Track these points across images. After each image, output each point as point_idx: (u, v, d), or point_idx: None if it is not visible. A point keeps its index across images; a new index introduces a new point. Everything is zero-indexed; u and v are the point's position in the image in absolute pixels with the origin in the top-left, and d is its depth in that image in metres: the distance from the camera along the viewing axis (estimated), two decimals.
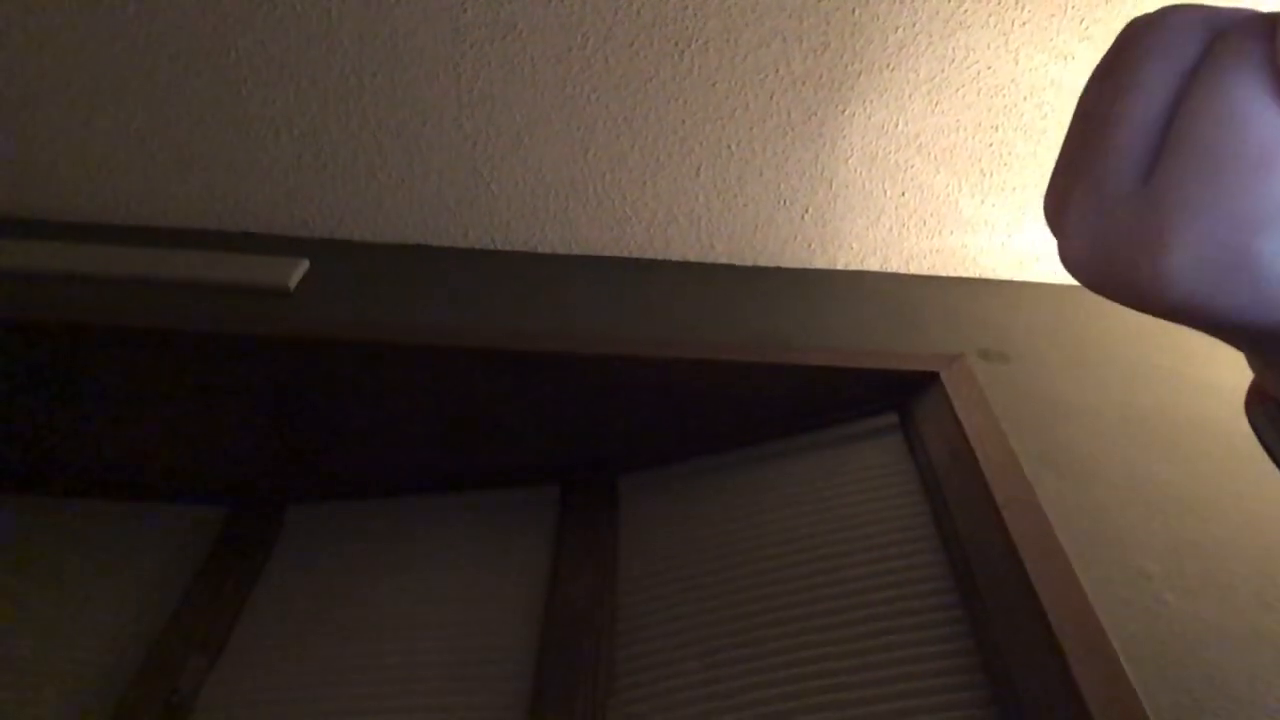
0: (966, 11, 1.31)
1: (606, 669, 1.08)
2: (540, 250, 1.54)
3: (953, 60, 1.35)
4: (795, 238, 1.51)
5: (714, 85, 1.38)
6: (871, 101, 1.39)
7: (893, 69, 1.36)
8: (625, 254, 1.54)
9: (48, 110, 1.41)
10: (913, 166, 1.44)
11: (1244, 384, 0.30)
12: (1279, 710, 0.83)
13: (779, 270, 1.54)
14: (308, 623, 1.20)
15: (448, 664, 1.12)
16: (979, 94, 1.38)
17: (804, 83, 1.37)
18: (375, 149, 1.44)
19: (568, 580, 1.20)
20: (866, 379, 1.28)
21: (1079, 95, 0.26)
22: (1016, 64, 1.35)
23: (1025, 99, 1.38)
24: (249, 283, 1.36)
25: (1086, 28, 1.32)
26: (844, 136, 1.42)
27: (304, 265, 1.40)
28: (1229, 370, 1.32)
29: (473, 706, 1.06)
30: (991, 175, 1.45)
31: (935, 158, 1.44)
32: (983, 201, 1.47)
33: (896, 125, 1.41)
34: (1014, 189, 1.46)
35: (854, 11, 1.31)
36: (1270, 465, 0.30)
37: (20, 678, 1.11)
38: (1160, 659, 0.87)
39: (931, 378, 1.25)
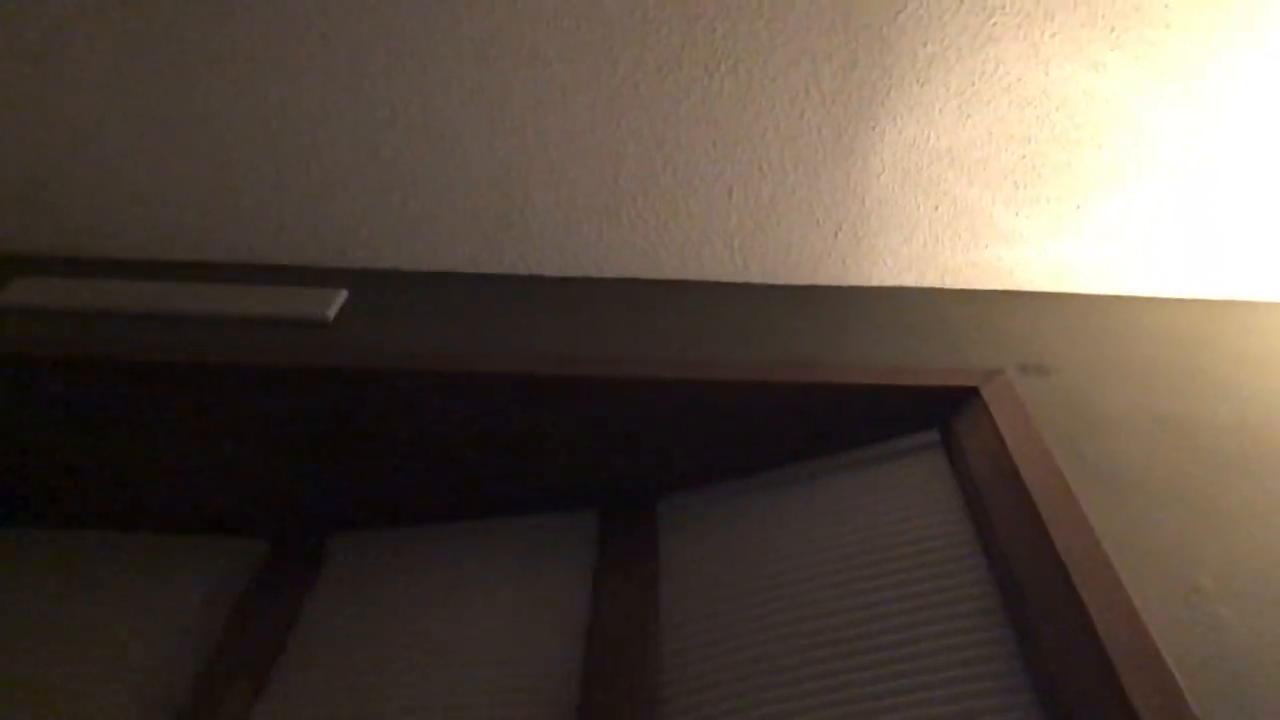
0: (995, 25, 1.31)
1: (649, 694, 1.08)
2: (574, 274, 1.54)
3: (983, 73, 1.35)
4: (829, 255, 1.51)
5: (744, 106, 1.38)
6: (902, 117, 1.38)
7: (923, 84, 1.35)
8: (659, 276, 1.54)
9: (83, 147, 1.44)
10: (945, 180, 1.44)
11: None
12: None
13: (814, 289, 1.53)
14: (351, 652, 1.20)
15: (491, 692, 1.12)
16: (1010, 106, 1.37)
17: (834, 101, 1.37)
18: (409, 178, 1.45)
19: (609, 606, 1.20)
20: (905, 396, 1.27)
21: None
22: (1047, 75, 1.34)
23: (1057, 110, 1.37)
24: (288, 315, 1.37)
25: (1117, 37, 1.31)
26: (875, 153, 1.41)
27: (342, 295, 1.42)
28: (1276, 378, 1.30)
29: None
30: (1025, 187, 1.44)
31: (968, 171, 1.43)
32: (1017, 214, 1.46)
33: (928, 140, 1.40)
34: (1048, 200, 1.45)
35: (882, 29, 1.31)
36: None
37: (66, 712, 1.13)
38: (1217, 676, 0.86)
39: (972, 393, 1.24)
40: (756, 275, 1.54)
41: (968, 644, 0.99)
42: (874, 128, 1.39)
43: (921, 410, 1.27)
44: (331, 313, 1.38)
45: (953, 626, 1.01)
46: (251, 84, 1.38)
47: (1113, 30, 1.31)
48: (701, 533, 1.29)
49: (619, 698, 1.08)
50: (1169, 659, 0.85)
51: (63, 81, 1.39)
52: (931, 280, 1.54)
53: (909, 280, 1.54)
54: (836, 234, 1.49)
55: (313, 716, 1.12)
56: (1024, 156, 1.41)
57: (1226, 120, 1.36)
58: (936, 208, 1.46)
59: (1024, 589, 0.98)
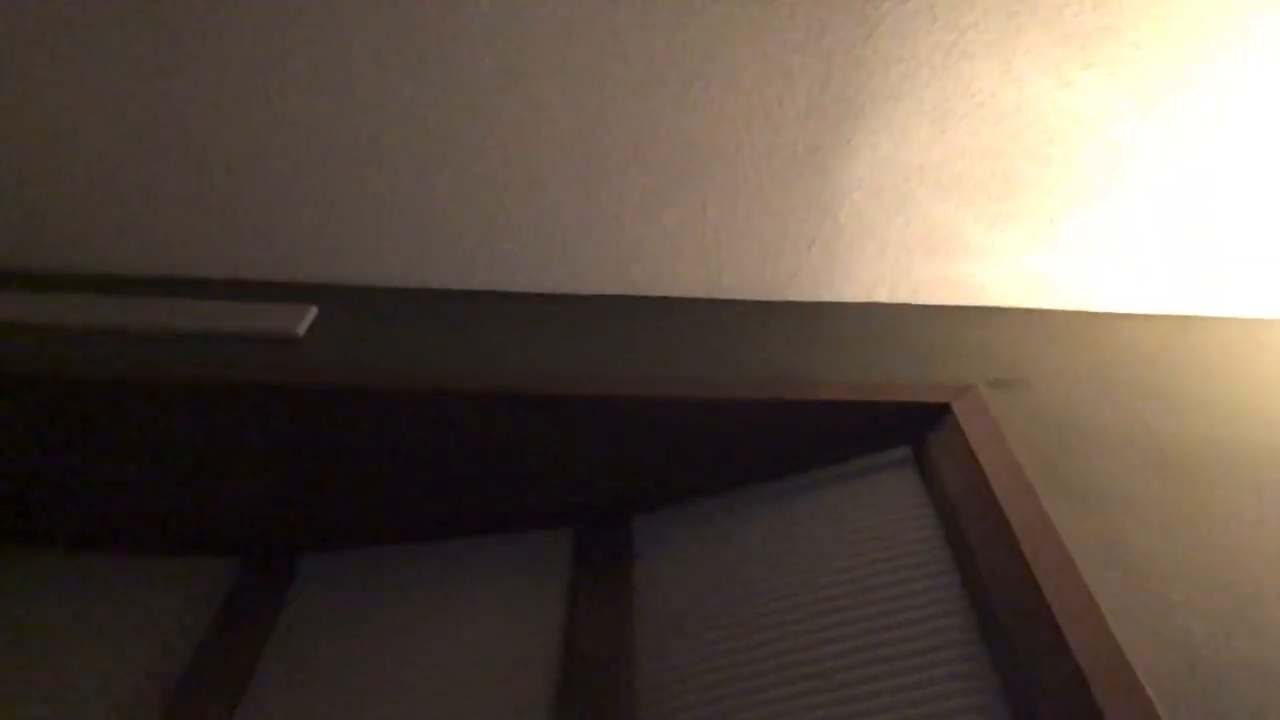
0: (969, 41, 1.31)
1: (627, 714, 1.07)
2: (549, 290, 1.54)
3: (956, 90, 1.35)
4: (802, 270, 1.51)
5: (719, 123, 1.38)
6: (876, 133, 1.39)
7: (897, 100, 1.36)
8: (634, 291, 1.54)
9: (52, 161, 1.42)
10: (918, 196, 1.44)
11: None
12: None
13: (787, 304, 1.53)
14: (322, 673, 1.19)
15: (465, 713, 1.11)
16: (983, 122, 1.38)
17: (808, 116, 1.37)
18: (385, 191, 1.44)
19: (584, 625, 1.19)
20: (877, 412, 1.27)
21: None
22: (1020, 91, 1.35)
23: (1030, 125, 1.38)
24: (257, 331, 1.36)
25: (1089, 55, 1.31)
26: (849, 169, 1.42)
27: (312, 312, 1.41)
28: (1253, 395, 1.31)
29: None
30: (998, 202, 1.45)
31: (941, 186, 1.43)
32: (990, 229, 1.47)
33: (901, 155, 1.41)
34: (1021, 216, 1.46)
35: (855, 47, 1.32)
36: None
37: None
38: (1190, 692, 0.86)
39: (943, 409, 1.24)
40: (731, 290, 1.54)
41: (941, 660, 0.98)
42: (847, 143, 1.40)
43: (893, 426, 1.27)
44: (301, 329, 1.37)
45: (926, 643, 1.00)
46: (228, 99, 1.37)
47: (1084, 48, 1.31)
48: (675, 550, 1.28)
49: (596, 716, 1.07)
50: (1141, 675, 0.85)
51: (34, 96, 1.37)
52: (904, 296, 1.54)
53: (881, 295, 1.54)
54: (810, 249, 1.49)
55: None
56: (996, 172, 1.42)
57: (1198, 137, 1.37)
58: (909, 223, 1.47)
59: (996, 604, 0.98)
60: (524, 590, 1.28)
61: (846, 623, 1.07)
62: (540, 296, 1.53)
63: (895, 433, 1.26)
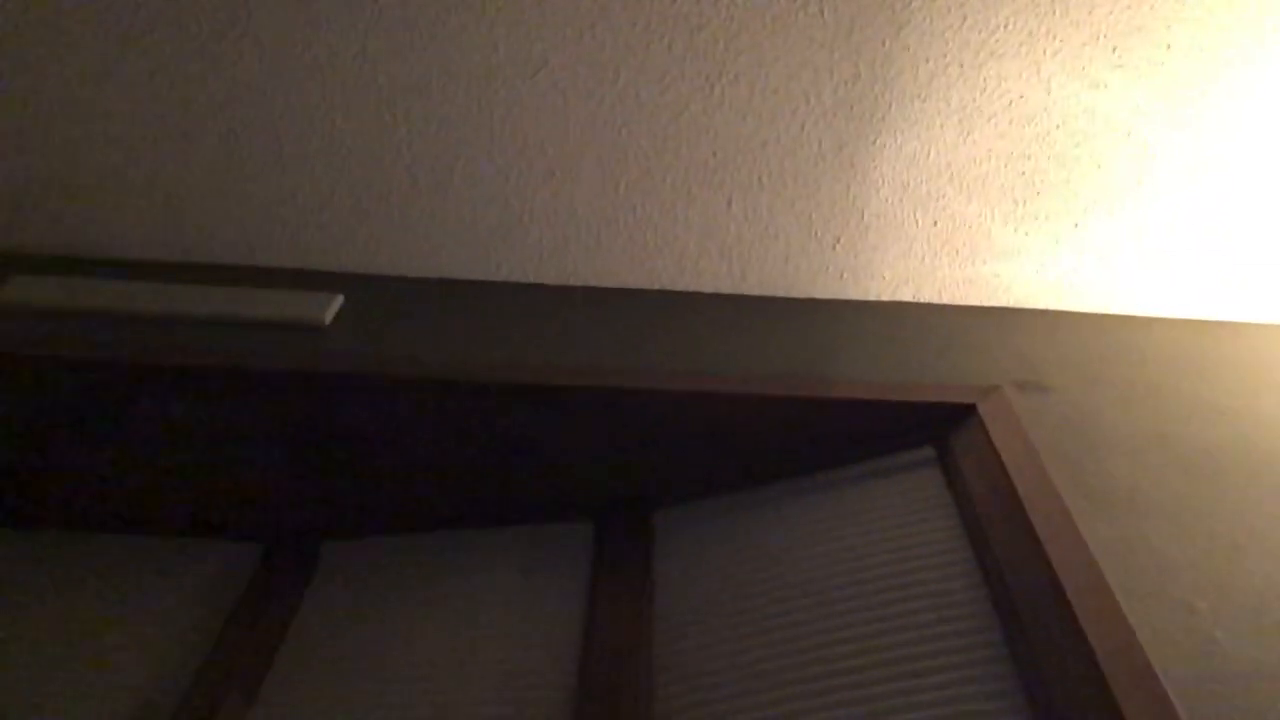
0: (998, 41, 1.31)
1: (644, 707, 1.07)
2: (572, 283, 1.54)
3: (984, 89, 1.35)
4: (827, 268, 1.51)
5: (744, 118, 1.38)
6: (903, 131, 1.38)
7: (924, 99, 1.36)
8: (657, 286, 1.54)
9: (81, 146, 1.43)
10: (945, 196, 1.44)
11: None
12: None
13: (811, 301, 1.53)
14: (343, 661, 1.20)
15: (485, 703, 1.11)
16: (1011, 123, 1.37)
17: (835, 114, 1.37)
18: (409, 183, 1.45)
19: (604, 617, 1.19)
20: (902, 412, 1.27)
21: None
22: (1049, 93, 1.35)
23: (1058, 127, 1.37)
24: (284, 318, 1.37)
25: (1119, 56, 1.31)
26: (875, 166, 1.41)
27: (339, 300, 1.41)
28: (1276, 399, 1.30)
29: None
30: (1024, 204, 1.44)
31: (967, 187, 1.43)
32: (1015, 230, 1.47)
33: (928, 155, 1.40)
34: (1047, 217, 1.45)
35: (884, 43, 1.31)
36: None
37: (54, 715, 1.12)
38: (1212, 700, 0.86)
39: (969, 410, 1.24)
40: (754, 287, 1.54)
41: (963, 661, 0.98)
42: (874, 141, 1.39)
43: (918, 426, 1.27)
44: (328, 317, 1.38)
45: (948, 644, 1.00)
46: (255, 85, 1.37)
47: (1114, 49, 1.31)
48: (697, 545, 1.28)
49: (614, 709, 1.08)
50: (1164, 680, 0.85)
51: (62, 80, 1.38)
52: (929, 295, 1.54)
53: (906, 295, 1.54)
54: (835, 247, 1.49)
55: None
56: (1023, 173, 1.41)
57: (1227, 141, 1.37)
58: (935, 223, 1.46)
59: (1020, 607, 0.98)
60: (544, 581, 1.29)
61: (867, 621, 1.07)
62: (563, 289, 1.53)
63: (919, 432, 1.26)
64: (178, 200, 1.48)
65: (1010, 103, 1.36)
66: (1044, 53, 1.32)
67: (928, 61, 1.33)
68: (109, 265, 1.50)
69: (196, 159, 1.44)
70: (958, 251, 1.49)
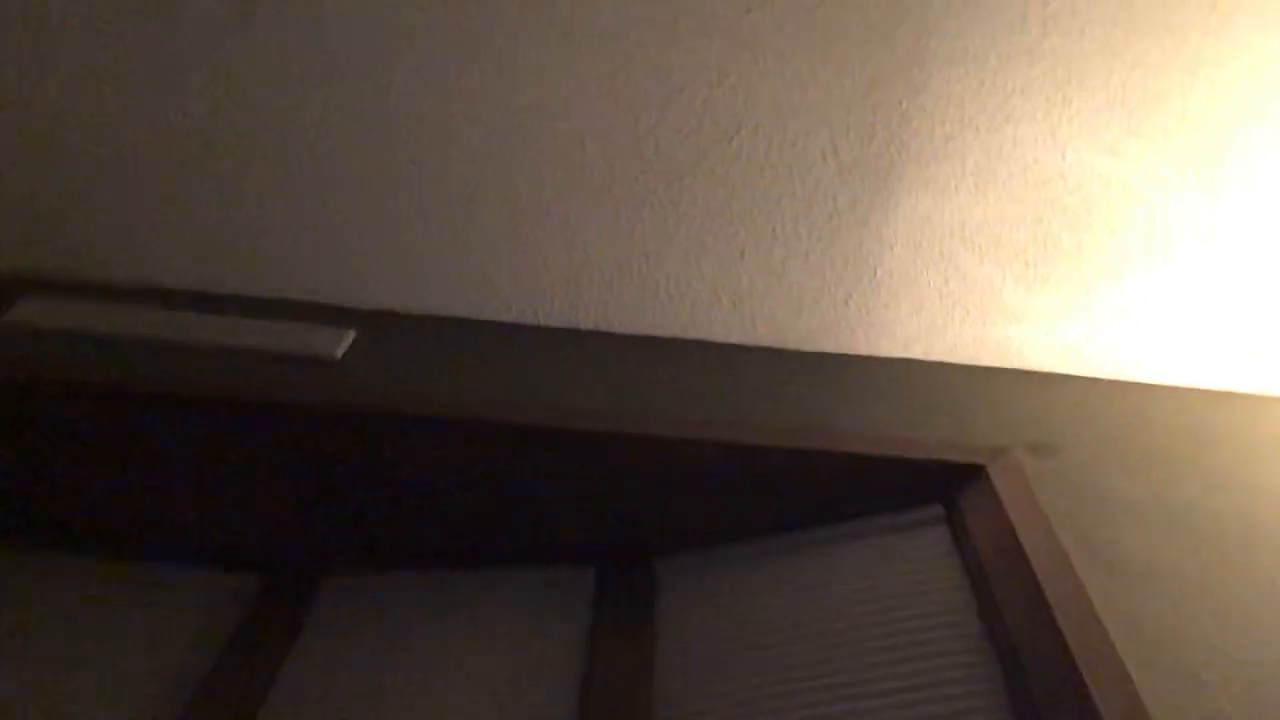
0: (1014, 106, 1.32)
1: None
2: (583, 327, 1.54)
3: (1000, 153, 1.36)
4: (838, 323, 1.51)
5: (761, 171, 1.39)
6: (918, 191, 1.39)
7: (940, 160, 1.37)
8: (668, 334, 1.54)
9: (96, 169, 1.44)
10: (957, 256, 1.44)
11: None
12: None
13: (821, 355, 1.53)
14: (339, 696, 1.18)
15: None
16: (1025, 186, 1.38)
17: (851, 171, 1.38)
18: (423, 222, 1.46)
19: (604, 664, 1.18)
20: (911, 469, 1.26)
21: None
22: (1064, 158, 1.36)
23: (1072, 192, 1.38)
24: (295, 351, 1.37)
25: (1135, 124, 1.32)
26: (889, 224, 1.42)
27: (350, 335, 1.42)
28: None
29: None
30: (1036, 266, 1.45)
31: (980, 248, 1.44)
32: (1027, 292, 1.47)
33: (942, 214, 1.41)
34: (1059, 281, 1.46)
35: (901, 103, 1.33)
36: None
37: None
38: None
39: (978, 470, 1.23)
40: (765, 338, 1.54)
41: None
42: (889, 200, 1.40)
43: (926, 484, 1.26)
44: (339, 352, 1.38)
45: (951, 707, 0.99)
46: (273, 116, 1.38)
47: (1131, 116, 1.32)
48: (699, 596, 1.27)
49: None
50: None
51: (77, 105, 1.39)
52: (939, 354, 1.54)
53: (917, 353, 1.54)
54: (847, 302, 1.49)
55: None
56: (1036, 237, 1.42)
57: (1241, 211, 1.38)
58: (947, 282, 1.47)
59: (1027, 671, 0.97)
60: (544, 624, 1.27)
61: (870, 680, 1.06)
62: (573, 332, 1.54)
63: (927, 491, 1.25)
64: (191, 228, 1.48)
65: (1025, 167, 1.37)
66: (1060, 118, 1.33)
67: (944, 124, 1.34)
68: (118, 290, 1.51)
69: (212, 188, 1.45)
70: (969, 312, 1.49)
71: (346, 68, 1.34)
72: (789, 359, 1.52)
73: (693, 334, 1.54)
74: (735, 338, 1.54)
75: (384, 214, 1.46)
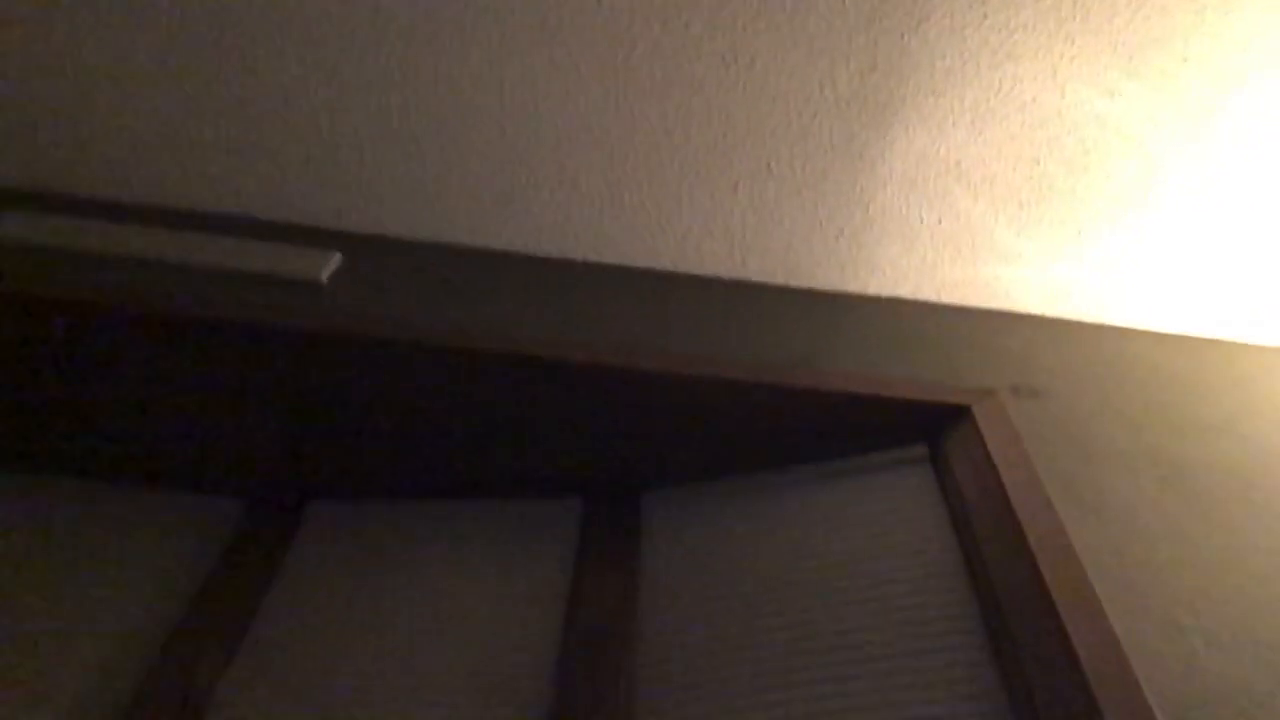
0: (1016, 42, 1.30)
1: (628, 687, 1.07)
2: (572, 257, 1.53)
3: (999, 90, 1.34)
4: (829, 260, 1.50)
5: (757, 102, 1.37)
6: (914, 127, 1.37)
7: (938, 95, 1.35)
8: (657, 266, 1.53)
9: (91, 82, 1.40)
10: (952, 194, 1.43)
11: None
12: None
13: (810, 292, 1.53)
14: (324, 622, 1.19)
15: (465, 673, 1.11)
16: (1023, 126, 1.37)
17: (849, 104, 1.36)
18: (414, 145, 1.43)
19: (589, 595, 1.19)
20: (897, 408, 1.26)
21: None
22: (1063, 97, 1.34)
23: (1069, 133, 1.37)
24: (280, 273, 1.35)
25: (1135, 66, 1.30)
26: (884, 160, 1.41)
27: (336, 258, 1.40)
28: (1269, 421, 1.31)
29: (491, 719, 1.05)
30: (1030, 207, 1.44)
31: (974, 186, 1.43)
32: (1019, 233, 1.46)
33: (938, 152, 1.40)
34: (1051, 223, 1.45)
35: (903, 36, 1.30)
36: None
37: (31, 666, 1.10)
38: (1195, 714, 0.86)
39: (964, 411, 1.24)
40: (755, 273, 1.53)
41: (945, 662, 0.98)
42: (885, 135, 1.39)
43: (912, 424, 1.27)
44: (325, 275, 1.36)
45: (931, 642, 1.01)
46: (265, 36, 1.35)
47: (1131, 58, 1.30)
48: (685, 529, 1.28)
49: (596, 689, 1.07)
50: (1148, 693, 0.85)
51: (73, 21, 1.35)
52: (929, 294, 1.53)
53: (906, 292, 1.53)
54: (838, 238, 1.48)
55: (283, 683, 1.11)
56: (1031, 177, 1.41)
57: (1237, 158, 1.37)
58: (940, 221, 1.46)
59: (1006, 610, 0.98)
60: (529, 555, 1.28)
61: (851, 615, 1.07)
62: (563, 262, 1.52)
63: (912, 430, 1.26)
64: (180, 144, 1.45)
65: (1024, 105, 1.35)
66: (1061, 57, 1.31)
67: (945, 58, 1.32)
68: (101, 206, 1.48)
69: (203, 105, 1.41)
70: (960, 251, 1.49)
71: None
72: (778, 295, 1.51)
73: (683, 267, 1.53)
74: (725, 271, 1.53)
75: (374, 135, 1.43)
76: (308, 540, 1.32)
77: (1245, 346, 1.51)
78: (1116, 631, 0.92)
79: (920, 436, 1.26)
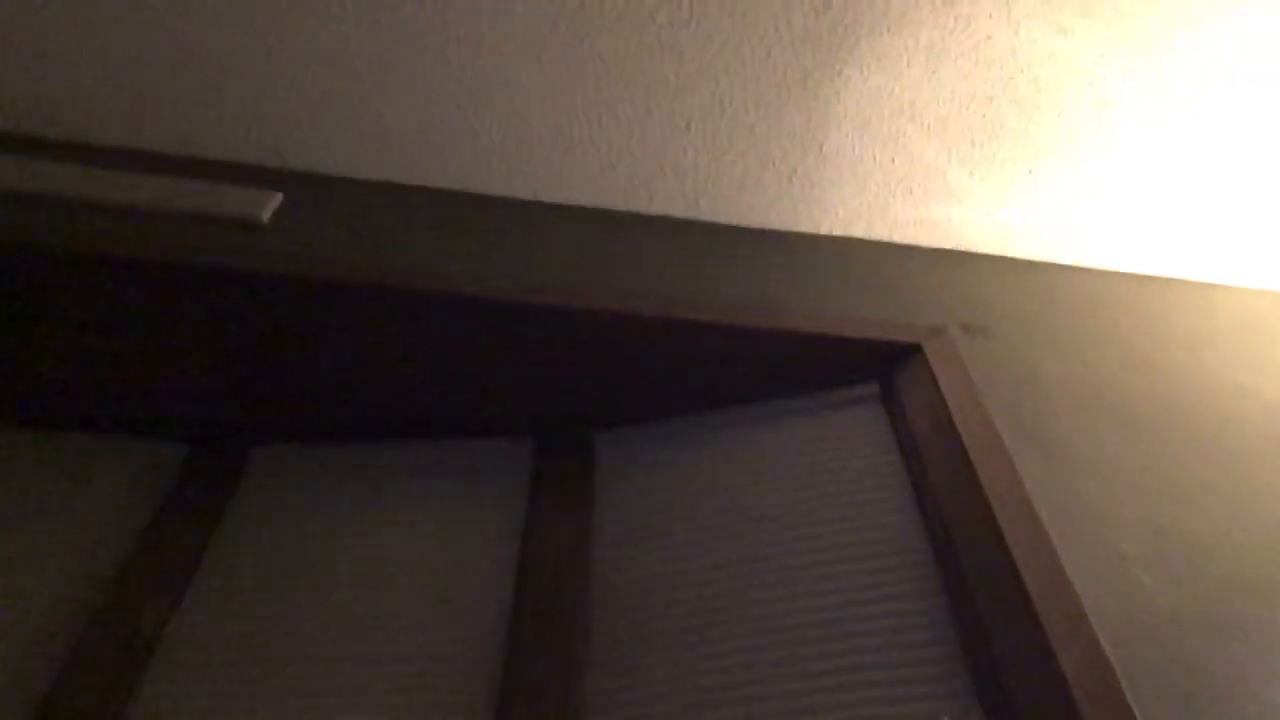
0: None
1: (582, 625, 1.07)
2: (521, 195, 1.50)
3: (953, 29, 1.33)
4: (782, 200, 1.49)
5: (711, 39, 1.34)
6: (869, 66, 1.36)
7: (892, 34, 1.33)
8: (608, 205, 1.51)
9: (20, 22, 1.34)
10: (905, 134, 1.42)
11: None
12: (1254, 700, 0.84)
13: (762, 232, 1.52)
14: (272, 567, 1.17)
15: (417, 615, 1.10)
16: (977, 64, 1.36)
17: (803, 42, 1.34)
18: (355, 80, 1.38)
19: (543, 534, 1.18)
20: (848, 347, 1.26)
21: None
22: (1017, 35, 1.33)
23: (1022, 72, 1.36)
24: (219, 213, 1.31)
25: (1088, 3, 1.30)
26: (838, 100, 1.39)
27: (277, 198, 1.36)
28: (1216, 361, 1.33)
29: (443, 659, 1.04)
30: (981, 147, 1.44)
31: (928, 126, 1.42)
32: (971, 173, 1.46)
33: (892, 91, 1.38)
34: (1003, 162, 1.45)
35: None
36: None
37: None
38: (1138, 641, 0.88)
39: (914, 349, 1.24)
40: (707, 213, 1.51)
41: (897, 593, 1.00)
42: (839, 74, 1.37)
43: (863, 362, 1.27)
44: (266, 215, 1.32)
45: (884, 577, 1.02)
46: None
47: None
48: (637, 467, 1.27)
49: (550, 625, 1.07)
50: (1095, 622, 0.87)
51: None
52: (880, 233, 1.53)
53: (858, 231, 1.53)
54: (791, 178, 1.47)
55: (229, 629, 1.09)
56: (984, 116, 1.40)
57: (1189, 98, 1.37)
58: (893, 160, 1.45)
59: (957, 545, 0.99)
60: (482, 495, 1.27)
61: (800, 552, 1.08)
62: (510, 201, 1.49)
63: (864, 369, 1.26)
64: (117, 81, 1.39)
65: (978, 44, 1.34)
66: None
67: None
68: (37, 144, 1.42)
69: (141, 40, 1.35)
70: (912, 191, 1.48)
71: None
72: (730, 234, 1.50)
73: (634, 206, 1.51)
74: (677, 210, 1.51)
75: (313, 71, 1.38)
76: (253, 485, 1.30)
77: (1194, 284, 1.53)
78: (1063, 562, 0.93)
79: (872, 375, 1.27)
